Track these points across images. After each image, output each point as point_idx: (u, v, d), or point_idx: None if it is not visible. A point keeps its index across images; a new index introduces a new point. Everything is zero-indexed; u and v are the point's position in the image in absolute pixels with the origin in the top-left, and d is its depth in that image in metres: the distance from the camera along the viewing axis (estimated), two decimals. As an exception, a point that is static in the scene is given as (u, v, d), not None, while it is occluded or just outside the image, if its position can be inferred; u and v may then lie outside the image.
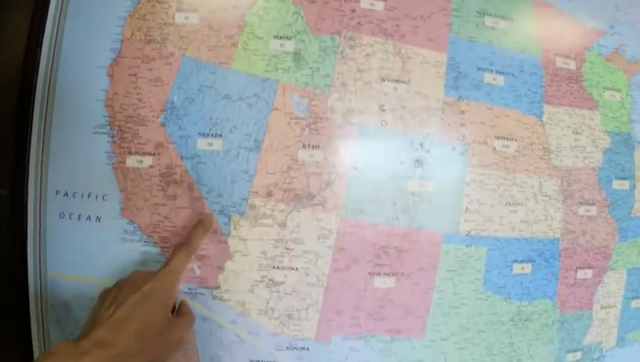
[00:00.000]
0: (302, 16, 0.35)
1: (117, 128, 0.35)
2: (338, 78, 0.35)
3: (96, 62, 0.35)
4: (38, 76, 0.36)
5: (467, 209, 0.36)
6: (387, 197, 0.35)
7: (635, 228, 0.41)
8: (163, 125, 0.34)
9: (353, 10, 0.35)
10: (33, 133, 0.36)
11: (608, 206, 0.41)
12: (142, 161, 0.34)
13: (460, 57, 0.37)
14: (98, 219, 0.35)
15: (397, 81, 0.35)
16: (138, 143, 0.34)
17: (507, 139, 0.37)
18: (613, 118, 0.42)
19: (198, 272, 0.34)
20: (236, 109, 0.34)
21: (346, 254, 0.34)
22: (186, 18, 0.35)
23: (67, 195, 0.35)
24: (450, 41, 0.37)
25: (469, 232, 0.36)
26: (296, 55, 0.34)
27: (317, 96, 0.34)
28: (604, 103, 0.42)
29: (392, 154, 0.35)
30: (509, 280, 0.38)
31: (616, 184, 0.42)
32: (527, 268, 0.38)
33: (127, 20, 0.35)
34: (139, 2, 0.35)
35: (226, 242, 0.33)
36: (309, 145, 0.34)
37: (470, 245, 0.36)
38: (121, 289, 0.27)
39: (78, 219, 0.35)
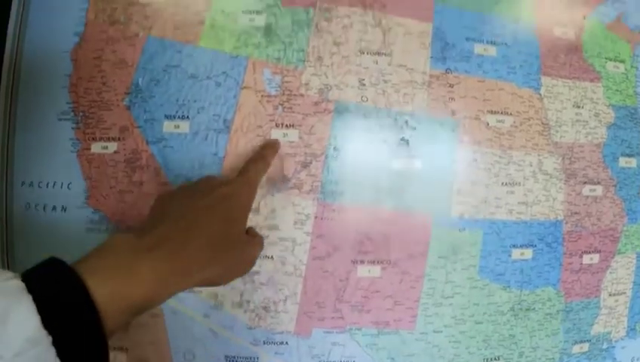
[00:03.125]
0: (273, -12, 0.30)
1: (81, 114, 0.30)
2: (313, 52, 0.29)
3: (60, 48, 0.30)
4: (2, 67, 0.32)
5: (459, 190, 0.30)
6: (370, 179, 0.29)
7: (645, 209, 0.35)
8: (128, 108, 0.29)
9: (328, -21, 0.30)
10: (-1, 124, 0.31)
11: (615, 185, 0.34)
12: (107, 147, 0.29)
13: (446, 27, 0.31)
14: (64, 208, 0.30)
15: (377, 53, 0.29)
16: (103, 128, 0.29)
17: (502, 113, 0.31)
18: (617, 90, 0.35)
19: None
20: (204, 89, 0.29)
21: (326, 241, 0.29)
22: (150, -5, 0.30)
23: (32, 185, 0.31)
24: (436, 10, 0.31)
25: (462, 215, 0.30)
26: (267, 29, 0.29)
27: (290, 72, 0.29)
28: (607, 75, 0.35)
29: (374, 133, 0.29)
30: (507, 266, 0.31)
31: (623, 162, 0.35)
32: (528, 253, 0.32)
33: (91, 2, 0.30)
34: (103, -18, 0.30)
35: (195, 231, 0.28)
36: (282, 125, 0.28)
37: (464, 229, 0.30)
38: (189, 190, 0.20)
39: (44, 210, 0.30)
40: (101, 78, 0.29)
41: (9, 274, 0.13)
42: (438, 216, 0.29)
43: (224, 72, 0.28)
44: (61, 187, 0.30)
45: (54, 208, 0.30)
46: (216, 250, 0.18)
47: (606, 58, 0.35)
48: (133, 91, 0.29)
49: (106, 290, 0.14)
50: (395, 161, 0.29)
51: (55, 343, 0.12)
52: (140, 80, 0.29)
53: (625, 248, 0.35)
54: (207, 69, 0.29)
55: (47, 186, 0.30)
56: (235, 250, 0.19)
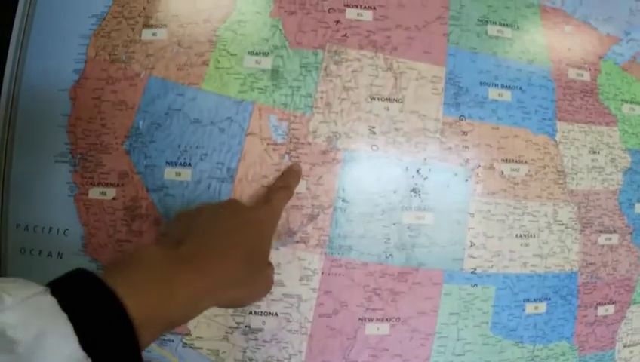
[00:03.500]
0: (280, 30, 0.28)
1: (79, 156, 0.28)
2: (321, 97, 0.27)
3: (58, 86, 0.28)
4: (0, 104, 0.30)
5: (472, 243, 0.28)
6: (379, 233, 0.27)
7: (662, 258, 0.33)
8: (128, 153, 0.27)
9: (338, 22, 0.28)
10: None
11: (631, 233, 0.33)
12: (105, 193, 0.27)
13: (460, 71, 0.29)
14: (60, 255, 0.28)
15: (389, 99, 0.28)
16: (101, 173, 0.28)
17: (516, 162, 0.29)
18: (633, 133, 0.34)
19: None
20: (207, 135, 0.27)
21: (333, 297, 0.27)
22: (153, 34, 0.28)
23: (28, 229, 0.29)
24: (449, 52, 0.29)
25: (475, 270, 0.28)
26: (274, 73, 0.27)
27: (297, 119, 0.27)
28: (623, 118, 0.33)
29: (384, 183, 0.27)
30: (520, 321, 0.29)
31: (639, 208, 0.34)
32: (542, 307, 0.30)
33: (92, 39, 0.28)
34: (104, 19, 0.29)
35: (195, 285, 0.26)
36: (288, 174, 0.26)
37: (476, 284, 0.28)
38: (213, 211, 0.19)
39: (39, 255, 0.28)
40: (100, 120, 0.28)
41: (36, 287, 0.12)
42: (450, 271, 0.28)
43: (229, 118, 0.27)
44: (57, 233, 0.28)
45: (50, 254, 0.28)
46: (246, 271, 0.18)
47: (622, 100, 0.33)
48: (134, 135, 0.27)
49: (142, 307, 0.13)
50: (405, 213, 0.27)
51: None
52: (141, 123, 0.27)
53: (640, 297, 0.33)
54: (211, 113, 0.27)
55: (43, 231, 0.28)
56: (261, 272, 0.20)
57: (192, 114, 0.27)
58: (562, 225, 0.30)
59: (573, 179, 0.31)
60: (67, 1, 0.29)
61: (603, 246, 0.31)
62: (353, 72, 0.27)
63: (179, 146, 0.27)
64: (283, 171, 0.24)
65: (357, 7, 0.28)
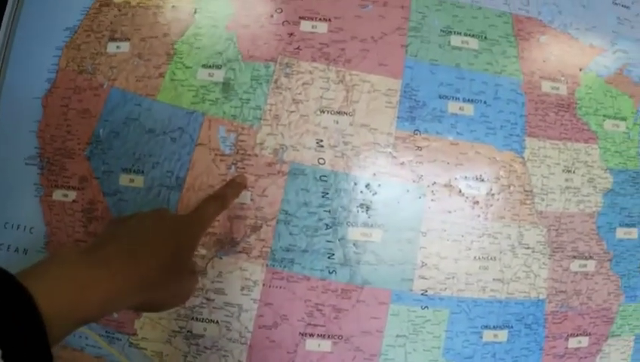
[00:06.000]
0: (234, 43, 0.27)
1: (46, 160, 0.29)
2: (270, 110, 0.27)
3: (33, 93, 0.29)
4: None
5: (423, 263, 0.26)
6: (323, 247, 0.26)
7: (646, 288, 0.29)
8: (88, 159, 0.28)
9: (291, 34, 0.27)
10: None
11: (610, 259, 0.29)
12: (67, 195, 0.28)
13: (417, 84, 0.27)
14: (25, 251, 0.29)
15: (339, 112, 0.26)
16: (64, 177, 0.28)
17: (477, 180, 0.27)
18: (616, 152, 0.30)
19: (115, 315, 0.27)
20: (159, 144, 0.27)
21: (274, 310, 0.26)
22: (117, 47, 0.28)
23: (-1, 227, 0.30)
24: (407, 64, 0.27)
25: (426, 291, 0.26)
26: (225, 85, 0.27)
27: (245, 130, 0.26)
28: (605, 135, 0.30)
29: (330, 198, 0.26)
30: (477, 349, 0.27)
31: (621, 233, 0.30)
32: (502, 335, 0.27)
33: (64, 50, 0.29)
34: (76, 32, 0.29)
35: (140, 290, 0.26)
36: (233, 185, 0.26)
37: (426, 307, 0.26)
38: (141, 217, 0.19)
39: (7, 250, 0.30)
40: (67, 127, 0.28)
41: None
42: (398, 292, 0.26)
43: (180, 128, 0.26)
44: (24, 230, 0.29)
45: (17, 250, 0.29)
46: (165, 274, 0.18)
47: (604, 116, 0.30)
48: (94, 142, 0.27)
49: (54, 304, 0.13)
50: (351, 229, 0.25)
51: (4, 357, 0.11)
52: (101, 131, 0.27)
53: (620, 330, 0.29)
54: (165, 123, 0.27)
55: (12, 228, 0.29)
56: (180, 279, 0.19)
57: (147, 124, 0.27)
58: (529, 248, 0.27)
59: (543, 199, 0.28)
60: (47, 15, 0.30)
61: (576, 273, 0.28)
62: (304, 84, 0.26)
63: (134, 154, 0.27)
64: (227, 182, 0.24)
65: (312, 19, 0.27)
